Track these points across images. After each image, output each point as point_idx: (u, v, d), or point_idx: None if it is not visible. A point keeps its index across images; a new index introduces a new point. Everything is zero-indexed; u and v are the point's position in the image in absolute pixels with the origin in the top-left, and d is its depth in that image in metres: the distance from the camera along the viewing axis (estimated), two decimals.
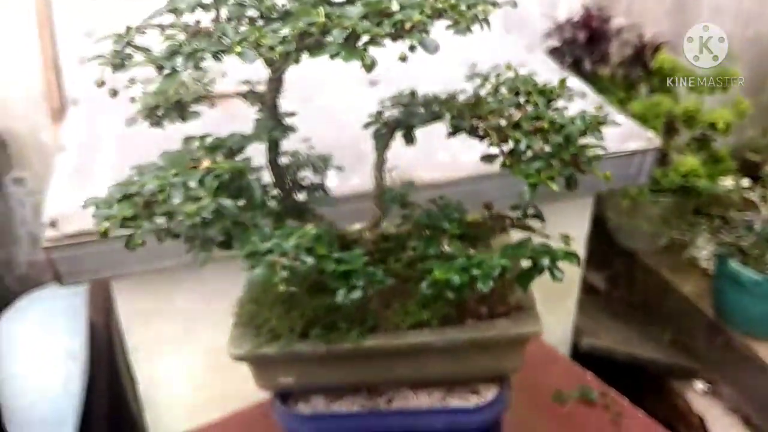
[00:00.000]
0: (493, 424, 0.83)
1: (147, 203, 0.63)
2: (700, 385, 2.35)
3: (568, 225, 1.96)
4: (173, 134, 0.81)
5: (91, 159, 1.61)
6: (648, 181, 1.80)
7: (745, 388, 2.22)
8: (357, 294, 0.64)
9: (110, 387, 1.92)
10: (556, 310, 2.08)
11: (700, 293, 2.37)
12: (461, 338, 0.77)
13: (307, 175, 0.84)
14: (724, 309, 2.24)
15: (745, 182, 2.40)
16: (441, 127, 1.48)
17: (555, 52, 2.33)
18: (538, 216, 0.83)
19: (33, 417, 1.84)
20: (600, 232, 2.60)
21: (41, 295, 2.03)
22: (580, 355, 2.17)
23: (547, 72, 1.96)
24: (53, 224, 1.41)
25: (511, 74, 0.81)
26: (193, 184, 0.60)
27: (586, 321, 2.49)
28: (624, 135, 1.74)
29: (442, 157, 1.56)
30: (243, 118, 0.88)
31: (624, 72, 2.43)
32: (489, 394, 0.84)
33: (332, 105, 1.75)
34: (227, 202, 0.60)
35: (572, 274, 2.08)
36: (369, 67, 0.56)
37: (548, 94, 0.78)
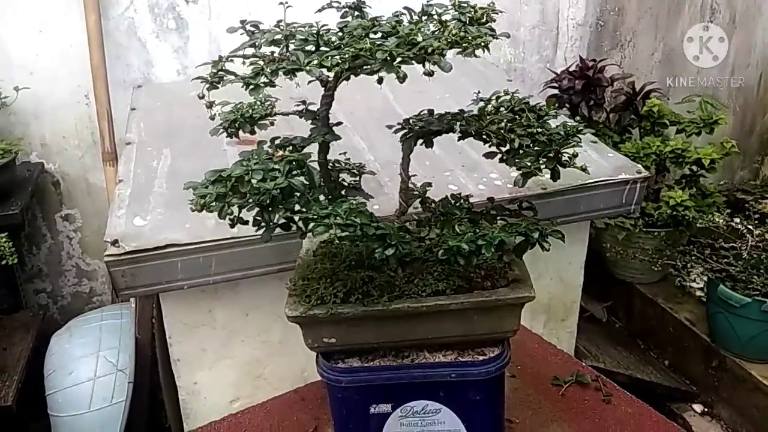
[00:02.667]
0: (496, 376, 1.02)
1: (234, 185, 0.85)
2: (698, 406, 2.49)
3: (567, 250, 2.17)
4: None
5: (144, 189, 1.83)
6: (639, 208, 2.01)
7: (741, 408, 2.36)
8: (390, 251, 0.85)
9: (150, 398, 2.10)
10: (558, 331, 2.26)
11: (695, 320, 2.55)
12: (470, 301, 0.97)
13: (345, 177, 1.06)
14: (717, 333, 2.40)
15: (736, 221, 2.60)
16: (450, 165, 1.73)
17: (554, 99, 2.58)
18: (532, 208, 1.04)
19: (81, 427, 2.01)
20: (599, 265, 2.80)
21: (89, 317, 2.23)
22: None
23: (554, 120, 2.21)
24: (114, 243, 1.61)
25: (507, 98, 1.04)
26: (271, 167, 0.82)
27: (588, 347, 2.67)
28: (616, 168, 1.95)
29: (452, 188, 1.78)
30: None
31: (617, 117, 2.67)
32: (493, 354, 1.03)
33: (356, 145, 1.99)
34: (296, 181, 0.81)
35: (573, 296, 2.28)
36: (402, 79, 0.79)
37: (538, 111, 1.01)
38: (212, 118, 1.02)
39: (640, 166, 1.98)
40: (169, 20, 2.49)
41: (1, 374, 2.04)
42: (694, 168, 2.55)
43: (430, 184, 1.07)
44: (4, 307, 2.42)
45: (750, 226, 2.34)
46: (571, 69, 2.61)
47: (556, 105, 2.44)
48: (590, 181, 1.88)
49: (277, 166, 0.83)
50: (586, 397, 1.32)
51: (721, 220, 2.45)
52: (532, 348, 1.49)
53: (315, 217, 0.80)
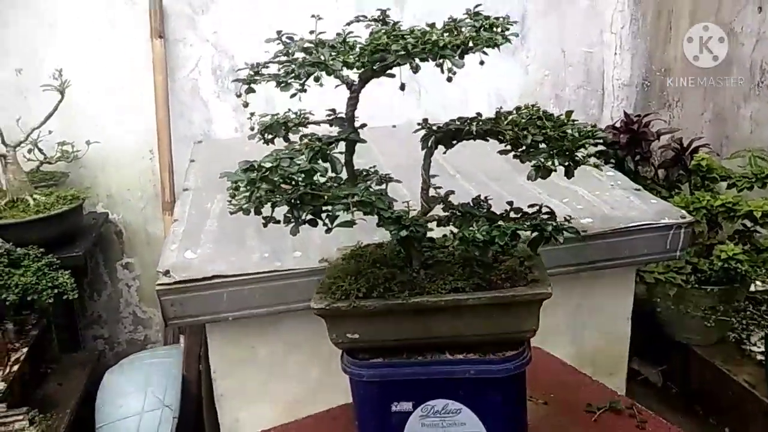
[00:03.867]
0: (516, 375, 1.02)
1: (264, 175, 0.92)
2: None
3: (613, 300, 2.13)
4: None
5: (197, 227, 1.94)
6: (684, 255, 1.98)
7: None
8: (405, 233, 0.89)
9: None
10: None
11: (755, 382, 2.42)
12: (487, 297, 0.99)
13: (373, 185, 1.12)
14: None
15: None
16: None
17: (600, 155, 2.61)
18: (551, 213, 1.07)
19: None
20: (653, 327, 2.72)
21: (141, 355, 2.32)
22: None
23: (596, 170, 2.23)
24: (166, 273, 1.70)
25: (526, 110, 1.09)
26: (296, 155, 0.89)
27: None
28: (659, 213, 1.95)
29: None
30: None
31: (666, 173, 2.66)
32: (512, 353, 1.04)
33: (398, 190, 2.07)
34: (319, 165, 0.88)
35: (620, 349, 2.22)
36: (415, 69, 0.86)
37: (555, 120, 1.06)
38: (252, 128, 1.11)
39: (684, 211, 1.97)
40: (230, 82, 2.68)
41: (54, 407, 2.12)
42: (747, 223, 2.50)
43: (452, 192, 1.12)
44: (65, 351, 2.54)
45: None
46: (616, 124, 2.64)
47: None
48: (632, 224, 1.88)
49: (302, 155, 0.90)
50: (620, 424, 1.29)
51: None
52: (565, 378, 1.47)
53: (335, 197, 0.86)
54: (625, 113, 2.69)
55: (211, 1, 2.62)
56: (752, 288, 2.61)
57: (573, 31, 2.83)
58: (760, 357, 2.54)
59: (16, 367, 2.02)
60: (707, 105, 3.00)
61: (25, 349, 2.11)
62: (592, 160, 0.96)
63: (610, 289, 2.08)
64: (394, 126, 2.69)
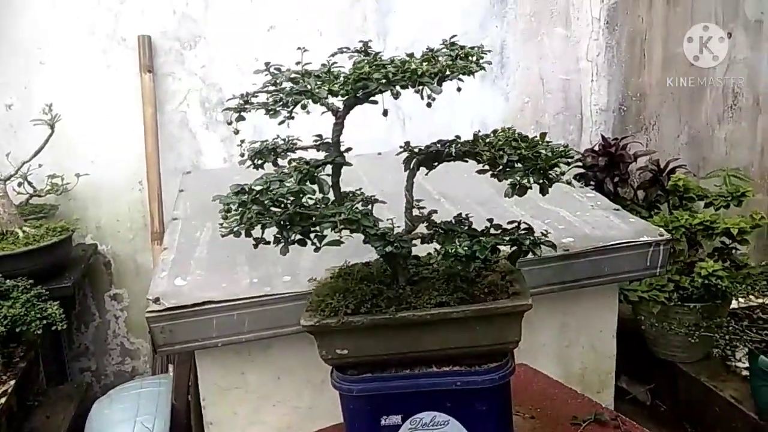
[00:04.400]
0: (501, 386, 1.06)
1: (255, 197, 0.96)
2: None
3: (597, 317, 2.17)
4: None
5: (186, 255, 1.96)
6: (665, 271, 2.03)
7: None
8: (390, 248, 0.93)
9: None
10: None
11: (741, 398, 2.45)
12: (471, 309, 1.03)
13: (358, 206, 1.17)
14: (763, 408, 2.31)
15: None
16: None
17: (580, 177, 2.68)
18: (529, 229, 1.11)
19: None
20: (639, 346, 2.76)
21: (130, 385, 2.32)
22: None
23: (576, 191, 2.29)
24: (156, 300, 1.72)
25: (503, 133, 1.15)
26: (286, 177, 0.93)
27: None
28: (638, 231, 2.01)
29: None
30: None
31: (644, 193, 2.73)
32: (496, 364, 1.07)
33: (382, 212, 2.11)
34: (307, 187, 0.93)
35: (606, 367, 2.25)
36: (396, 95, 0.91)
37: (529, 141, 1.11)
38: (242, 155, 1.16)
39: (662, 229, 2.02)
40: (218, 113, 2.73)
41: None
42: (726, 240, 2.56)
43: (435, 211, 1.17)
44: (51, 384, 2.53)
45: None
46: (594, 148, 2.72)
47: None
48: (612, 242, 1.93)
49: (291, 178, 0.94)
50: None
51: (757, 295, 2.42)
52: (552, 393, 1.51)
53: (322, 216, 0.90)
54: (602, 137, 2.77)
55: (199, 37, 2.68)
56: (734, 304, 2.67)
57: (551, 60, 2.93)
58: (745, 373, 2.59)
59: (3, 400, 2.01)
60: (682, 128, 3.09)
61: (12, 382, 2.10)
62: (565, 177, 1.01)
63: (595, 307, 2.13)
64: (379, 153, 2.75)
